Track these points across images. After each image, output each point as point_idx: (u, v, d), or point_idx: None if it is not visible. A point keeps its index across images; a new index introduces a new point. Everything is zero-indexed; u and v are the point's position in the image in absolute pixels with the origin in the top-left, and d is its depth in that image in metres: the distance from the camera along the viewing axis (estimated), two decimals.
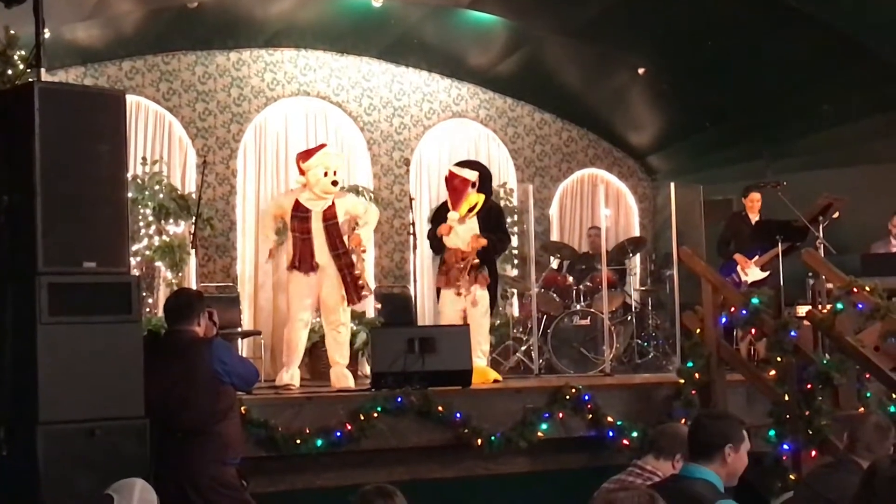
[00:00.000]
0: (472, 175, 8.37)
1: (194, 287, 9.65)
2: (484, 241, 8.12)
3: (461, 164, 8.77)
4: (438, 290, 8.37)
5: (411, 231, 8.58)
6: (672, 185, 9.76)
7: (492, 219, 8.33)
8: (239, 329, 9.78)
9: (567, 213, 12.19)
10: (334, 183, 7.89)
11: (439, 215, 8.41)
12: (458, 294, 8.13)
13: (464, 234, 8.20)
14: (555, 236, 11.94)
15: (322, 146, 8.20)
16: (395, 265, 11.16)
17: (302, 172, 7.90)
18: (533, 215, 9.76)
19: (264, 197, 10.53)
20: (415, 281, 9.05)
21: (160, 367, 4.87)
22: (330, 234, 7.78)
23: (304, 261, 7.74)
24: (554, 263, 10.85)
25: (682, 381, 7.37)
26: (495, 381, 8.00)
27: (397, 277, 11.12)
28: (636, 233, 12.14)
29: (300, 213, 7.79)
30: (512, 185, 11.62)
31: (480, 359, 8.19)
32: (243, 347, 10.16)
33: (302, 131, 10.82)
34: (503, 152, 11.85)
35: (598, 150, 12.32)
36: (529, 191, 9.76)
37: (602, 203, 10.25)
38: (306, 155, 7.96)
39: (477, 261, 8.13)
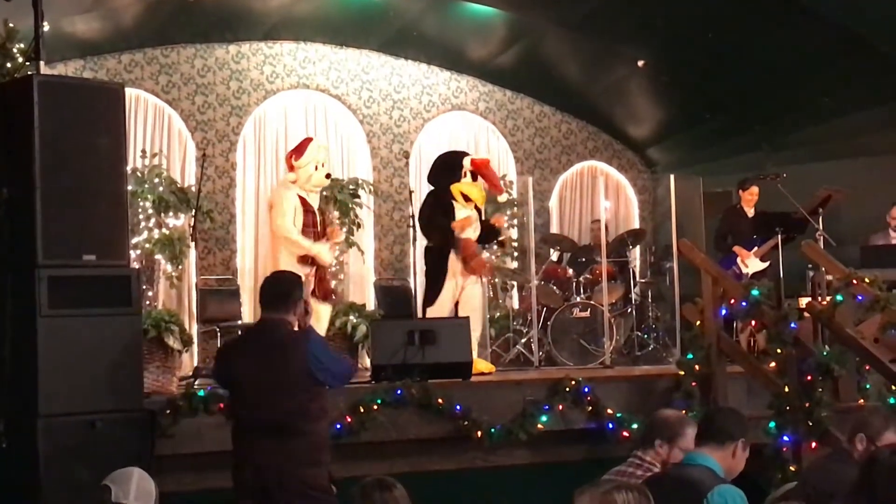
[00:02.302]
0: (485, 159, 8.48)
1: (194, 279, 9.67)
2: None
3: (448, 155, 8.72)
4: (435, 282, 8.26)
5: (411, 224, 8.56)
6: (672, 177, 9.75)
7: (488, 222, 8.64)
8: (239, 322, 9.78)
9: (567, 206, 12.17)
10: (328, 176, 7.91)
11: (444, 203, 8.30)
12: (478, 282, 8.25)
13: (474, 230, 8.31)
14: (554, 229, 11.93)
15: (309, 140, 8.17)
16: (395, 258, 11.16)
17: (292, 169, 7.87)
18: (533, 208, 9.76)
19: (264, 190, 10.51)
20: (415, 274, 9.03)
21: (250, 358, 4.60)
22: (323, 222, 7.91)
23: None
24: (554, 256, 10.84)
25: (682, 372, 7.36)
26: (483, 371, 7.97)
27: (397, 270, 11.11)
28: (636, 225, 12.12)
29: (307, 208, 7.80)
30: (511, 178, 11.60)
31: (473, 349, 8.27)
32: None
33: (301, 124, 10.80)
34: (503, 145, 11.84)
35: (598, 143, 12.31)
36: (529, 183, 9.76)
37: (602, 195, 10.25)
38: (299, 152, 7.93)
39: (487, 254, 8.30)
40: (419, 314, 8.35)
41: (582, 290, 10.01)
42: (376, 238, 11.04)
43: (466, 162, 8.33)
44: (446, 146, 11.50)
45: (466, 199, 8.25)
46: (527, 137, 11.96)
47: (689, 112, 11.30)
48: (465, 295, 8.28)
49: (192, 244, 8.65)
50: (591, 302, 9.83)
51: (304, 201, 7.79)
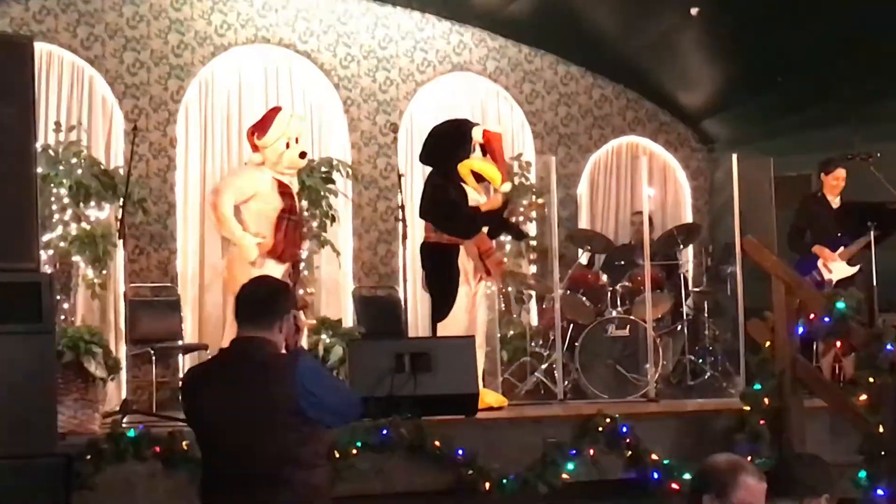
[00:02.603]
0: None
1: (122, 288, 9.67)
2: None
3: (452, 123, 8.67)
4: (447, 288, 8.27)
5: (400, 216, 8.55)
6: (734, 157, 9.74)
7: None
8: (180, 342, 9.80)
9: (600, 194, 12.18)
10: (303, 155, 7.91)
11: (457, 186, 8.24)
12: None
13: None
14: (584, 223, 11.93)
15: (276, 110, 8.18)
16: (380, 260, 11.17)
17: (256, 149, 7.87)
18: (556, 196, 9.75)
19: (211, 173, 10.52)
20: (404, 280, 9.04)
21: (222, 389, 4.51)
22: (299, 217, 7.98)
23: (288, 248, 7.75)
24: (583, 258, 10.84)
25: (748, 407, 7.35)
26: (492, 406, 8.00)
27: (382, 276, 11.12)
28: (688, 219, 12.12)
29: (286, 191, 7.81)
30: (529, 158, 11.62)
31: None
32: (185, 365, 10.16)
33: (260, 89, 10.81)
34: (517, 116, 11.84)
35: (640, 113, 12.31)
36: (552, 165, 9.75)
37: (644, 181, 10.22)
38: (262, 126, 7.92)
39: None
40: (418, 331, 8.35)
41: (619, 302, 10.02)
42: (356, 235, 11.05)
43: (477, 133, 8.29)
44: (445, 116, 11.44)
45: (479, 178, 8.25)
46: (548, 106, 11.97)
47: (757, 74, 11.28)
48: (476, 308, 8.27)
49: (120, 242, 8.64)
50: (631, 317, 9.82)
51: (281, 183, 7.80)
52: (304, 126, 8.23)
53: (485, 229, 8.25)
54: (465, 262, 8.17)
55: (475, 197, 8.21)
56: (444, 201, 8.14)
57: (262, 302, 4.60)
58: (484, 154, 8.28)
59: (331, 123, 11.12)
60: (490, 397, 8.15)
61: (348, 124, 11.17)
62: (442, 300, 8.24)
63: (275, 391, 4.42)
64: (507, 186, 8.36)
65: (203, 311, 10.44)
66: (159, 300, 10.00)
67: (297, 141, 7.87)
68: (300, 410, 4.42)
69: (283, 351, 4.60)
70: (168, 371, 10.08)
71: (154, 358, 9.37)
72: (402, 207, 8.56)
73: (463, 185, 8.17)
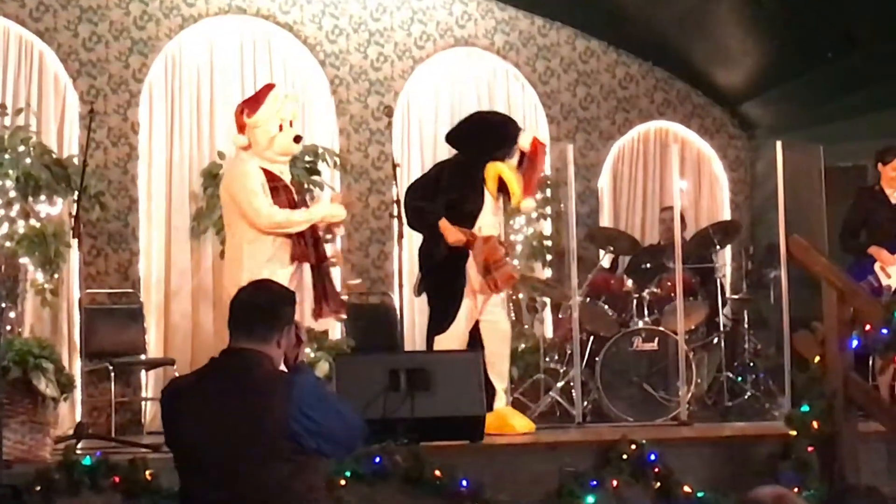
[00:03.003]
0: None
1: (77, 294, 9.68)
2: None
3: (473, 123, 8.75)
4: (447, 298, 8.32)
5: (396, 212, 8.55)
6: (778, 145, 9.73)
7: None
8: (142, 357, 9.79)
9: (624, 187, 12.17)
10: (297, 139, 7.92)
11: (474, 178, 8.32)
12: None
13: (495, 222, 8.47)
14: (606, 221, 11.93)
15: (269, 87, 8.18)
16: (372, 262, 11.17)
17: (242, 129, 7.87)
18: (574, 189, 9.74)
19: (179, 162, 10.52)
20: (400, 285, 9.04)
21: (208, 410, 4.46)
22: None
23: (295, 248, 7.75)
24: (605, 260, 10.82)
25: (794, 432, 7.35)
26: (518, 431, 8.02)
27: (375, 280, 11.12)
28: (726, 216, 12.10)
29: (277, 183, 7.78)
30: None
31: (503, 396, 8.29)
32: (148, 383, 10.16)
33: (235, 66, 10.81)
34: (530, 97, 11.84)
35: (670, 95, 12.30)
36: (569, 153, 9.74)
37: (675, 172, 10.22)
38: (254, 104, 7.93)
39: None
40: (416, 344, 8.35)
41: (646, 311, 10.02)
42: (344, 234, 11.03)
43: (525, 140, 8.38)
44: (447, 99, 11.54)
45: (501, 188, 8.33)
46: (565, 86, 11.96)
47: (805, 50, 11.27)
48: (488, 319, 8.32)
49: (75, 242, 8.64)
50: (660, 328, 9.82)
51: (269, 174, 7.79)
52: (297, 108, 8.23)
53: (494, 231, 8.28)
54: (475, 272, 8.19)
55: (489, 206, 8.28)
56: (425, 180, 8.28)
57: (261, 310, 4.59)
58: (520, 164, 8.38)
59: (316, 106, 11.11)
60: (517, 421, 8.15)
61: (336, 107, 11.15)
62: (442, 310, 8.25)
63: (267, 413, 4.40)
64: (528, 203, 8.41)
65: (169, 320, 10.42)
66: (119, 308, 10.00)
67: (290, 124, 7.88)
68: (295, 437, 4.40)
69: (282, 367, 4.59)
70: (129, 390, 10.08)
71: (113, 374, 9.37)
72: (398, 202, 8.55)
73: (483, 185, 8.24)
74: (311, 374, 4.71)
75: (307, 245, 7.80)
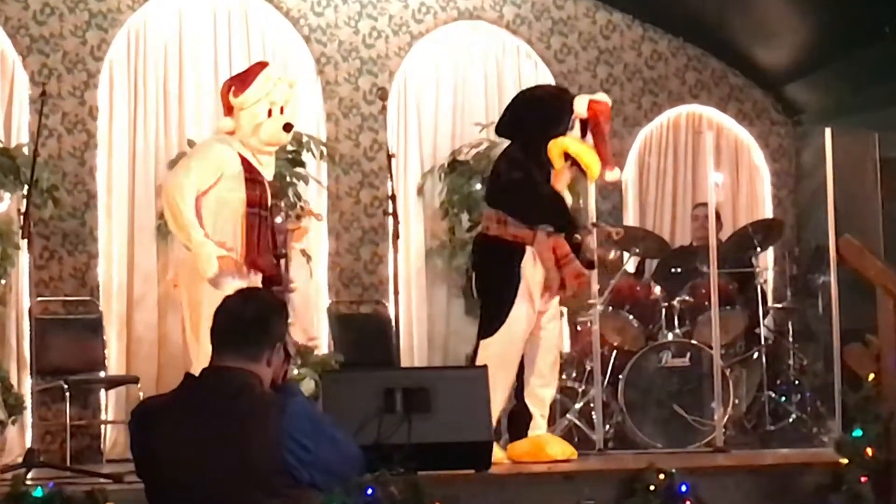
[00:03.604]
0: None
1: (27, 303, 9.66)
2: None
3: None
4: (500, 297, 8.28)
5: (391, 209, 8.55)
6: (827, 132, 9.73)
7: None
8: (102, 374, 9.78)
9: (651, 181, 12.17)
10: (288, 127, 7.93)
11: (540, 163, 8.29)
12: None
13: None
14: (630, 219, 11.93)
15: (262, 66, 8.20)
16: (364, 267, 11.15)
17: (229, 111, 7.89)
18: (595, 183, 9.73)
19: (144, 152, 10.51)
20: (396, 293, 9.03)
21: (186, 435, 4.45)
22: (272, 219, 7.96)
23: (250, 254, 7.74)
24: (630, 264, 10.82)
25: (845, 460, 7.34)
26: (557, 459, 8.05)
27: (367, 288, 11.11)
28: (767, 213, 12.08)
29: (254, 176, 7.79)
30: None
31: (544, 419, 8.32)
32: (109, 404, 10.15)
33: (208, 42, 10.81)
34: (544, 78, 11.81)
35: (704, 75, 12.29)
36: (589, 142, 9.73)
37: (710, 163, 10.21)
38: (243, 82, 7.94)
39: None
40: (414, 359, 8.34)
41: (677, 322, 10.02)
42: (332, 234, 11.04)
43: (580, 105, 8.35)
44: (449, 79, 11.52)
45: (573, 163, 8.32)
46: (584, 65, 11.95)
47: (858, 24, 11.27)
48: (547, 327, 8.31)
49: (25, 243, 8.63)
50: (693, 342, 9.81)
51: (247, 164, 7.79)
52: (292, 95, 8.24)
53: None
54: (532, 271, 8.16)
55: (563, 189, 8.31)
56: (523, 180, 8.19)
57: (249, 324, 4.59)
58: (584, 134, 8.37)
59: (300, 88, 11.07)
60: (555, 448, 8.18)
61: (323, 89, 11.15)
62: (493, 312, 8.25)
63: (254, 441, 4.40)
64: (614, 174, 8.41)
65: (132, 333, 10.42)
66: (75, 319, 9.99)
67: (281, 111, 7.89)
68: (287, 468, 4.41)
69: (269, 387, 4.57)
70: (87, 412, 10.07)
71: (68, 394, 9.36)
72: (393, 197, 8.54)
73: (550, 167, 8.24)
74: (302, 396, 4.69)
75: (261, 253, 7.81)
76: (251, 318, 4.58)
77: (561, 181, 8.28)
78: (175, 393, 4.61)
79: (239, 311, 4.63)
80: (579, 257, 8.26)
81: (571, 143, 8.27)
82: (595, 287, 9.47)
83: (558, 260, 8.16)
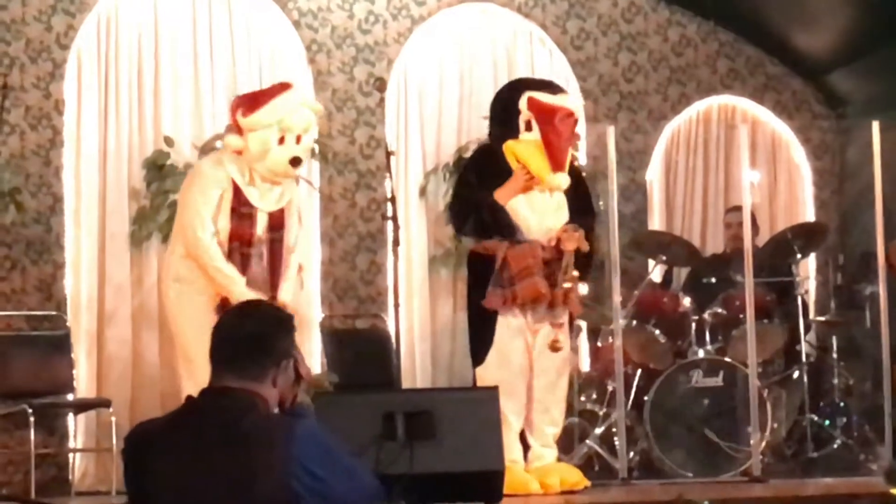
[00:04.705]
0: (577, 106, 8.79)
1: None
2: (584, 243, 8.55)
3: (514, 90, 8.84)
4: (483, 318, 8.45)
5: (390, 213, 8.57)
6: (875, 126, 9.74)
7: (578, 188, 8.77)
8: (70, 397, 9.78)
9: (679, 181, 12.18)
10: (295, 161, 8.00)
11: (487, 169, 8.49)
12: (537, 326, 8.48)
13: (554, 217, 8.54)
14: (656, 223, 11.94)
15: (283, 87, 8.27)
16: (360, 277, 11.16)
17: (239, 131, 7.94)
18: (616, 183, 9.74)
19: (115, 150, 10.51)
20: (396, 306, 9.05)
21: (185, 462, 4.48)
22: (274, 258, 8.15)
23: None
24: (656, 273, 10.82)
25: None
26: (570, 489, 8.15)
27: (363, 301, 11.12)
28: (809, 216, 12.09)
29: (242, 207, 7.86)
30: (577, 128, 11.59)
31: (549, 448, 8.46)
32: (78, 430, 10.16)
33: (186, 29, 10.79)
34: (560, 66, 11.83)
35: (738, 63, 12.30)
36: (610, 138, 9.75)
37: (745, 161, 10.23)
38: (253, 103, 7.99)
39: (577, 273, 8.49)
40: (416, 380, 8.35)
41: (709, 338, 10.01)
42: (325, 240, 11.05)
43: (521, 103, 8.46)
44: (454, 69, 11.52)
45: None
46: (604, 52, 11.96)
47: None
48: (541, 348, 8.48)
49: None
50: (727, 359, 9.81)
51: (239, 193, 7.85)
52: (313, 118, 8.31)
53: (543, 239, 8.37)
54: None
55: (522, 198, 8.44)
56: (458, 187, 8.34)
57: (248, 341, 4.59)
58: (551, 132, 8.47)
59: (289, 78, 11.08)
60: (564, 473, 8.38)
61: (314, 79, 11.15)
62: (477, 336, 8.33)
63: (259, 468, 4.41)
64: (557, 180, 8.45)
65: (103, 351, 10.41)
66: (40, 335, 9.98)
67: (298, 140, 7.94)
68: (294, 498, 4.40)
69: (276, 410, 4.58)
70: (53, 439, 10.07)
71: (32, 420, 9.36)
72: (393, 199, 8.57)
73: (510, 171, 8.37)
74: (314, 420, 4.66)
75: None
76: (251, 334, 4.59)
77: (514, 185, 8.36)
78: (172, 416, 4.62)
79: (237, 326, 4.65)
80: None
81: (519, 145, 8.46)
82: (616, 298, 9.49)
83: (516, 274, 8.26)
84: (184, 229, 8.07)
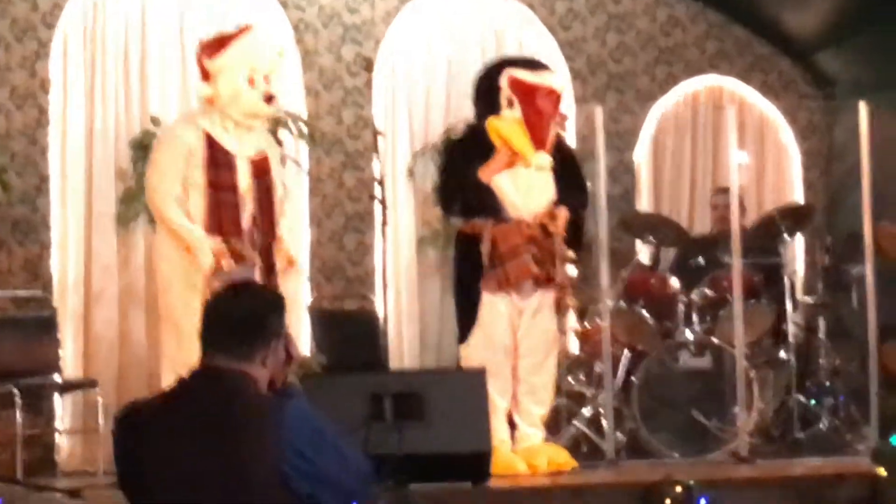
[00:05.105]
0: (560, 84, 8.74)
1: None
2: (565, 215, 8.50)
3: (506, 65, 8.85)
4: (468, 297, 8.47)
5: (379, 194, 8.57)
6: (863, 106, 9.74)
7: (568, 166, 8.72)
8: (57, 377, 9.78)
9: (667, 162, 12.19)
10: (269, 98, 7.95)
11: (473, 148, 8.52)
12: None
13: (538, 193, 8.52)
14: (644, 204, 11.96)
15: (246, 29, 8.26)
16: (348, 258, 11.16)
17: (206, 77, 7.92)
18: (604, 164, 9.74)
19: (101, 130, 10.50)
20: (385, 287, 9.05)
21: (175, 443, 4.47)
22: (262, 200, 8.07)
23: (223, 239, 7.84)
24: (644, 254, 10.82)
25: (883, 471, 7.37)
26: (558, 470, 8.15)
27: (351, 281, 11.12)
28: (797, 197, 12.09)
29: (218, 156, 7.83)
30: (566, 109, 11.58)
31: (535, 429, 8.45)
32: (65, 411, 10.15)
33: (173, 9, 10.79)
34: (548, 47, 11.83)
35: (726, 43, 12.30)
36: (598, 118, 9.73)
37: (732, 142, 10.23)
38: (217, 46, 7.97)
39: (571, 253, 8.51)
40: (404, 361, 8.34)
41: (696, 319, 10.03)
42: (313, 221, 11.05)
43: (504, 79, 8.47)
44: (442, 49, 11.52)
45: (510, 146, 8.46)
46: (592, 33, 11.96)
47: None
48: (526, 326, 8.46)
49: None
50: (714, 340, 9.83)
51: (211, 142, 7.82)
52: (276, 57, 8.27)
53: (527, 216, 8.39)
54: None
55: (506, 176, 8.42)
56: (443, 166, 8.38)
57: (240, 321, 4.59)
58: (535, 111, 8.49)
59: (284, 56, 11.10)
60: (559, 456, 8.37)
61: (301, 59, 11.14)
62: (462, 314, 8.34)
63: (248, 449, 4.41)
64: (539, 159, 8.45)
65: (90, 332, 10.42)
66: (27, 317, 9.98)
67: (266, 80, 7.91)
68: (284, 479, 4.41)
69: (267, 391, 4.57)
70: (40, 419, 10.06)
71: (19, 400, 9.35)
72: (381, 180, 8.58)
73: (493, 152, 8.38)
74: (304, 400, 4.64)
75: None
76: (243, 314, 4.59)
77: (497, 164, 8.37)
78: (164, 398, 4.62)
79: (230, 306, 4.65)
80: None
81: (502, 123, 8.47)
82: (604, 279, 9.49)
83: (505, 253, 8.27)
84: (146, 191, 8.14)
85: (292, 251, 8.48)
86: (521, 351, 8.44)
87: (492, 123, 8.46)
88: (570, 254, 8.49)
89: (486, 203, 8.43)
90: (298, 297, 10.83)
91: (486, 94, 8.58)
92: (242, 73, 7.87)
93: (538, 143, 8.50)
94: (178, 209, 7.86)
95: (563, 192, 8.60)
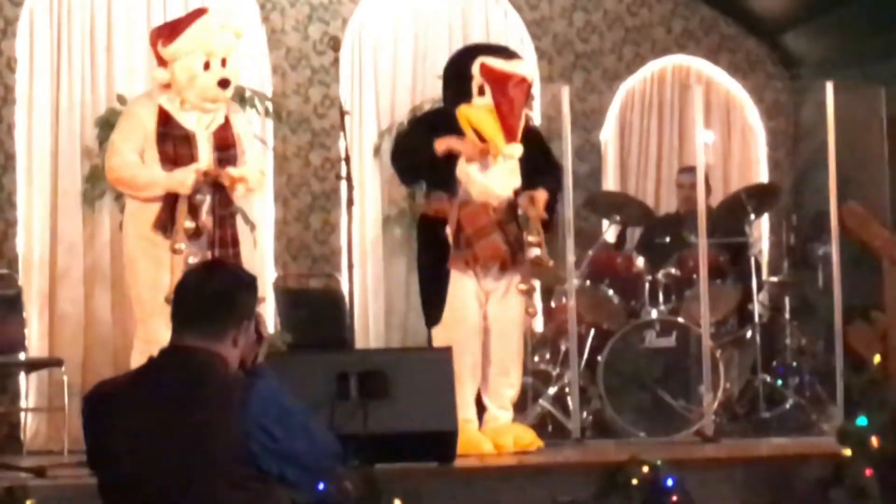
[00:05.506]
0: (531, 73, 8.74)
1: None
2: (545, 197, 8.49)
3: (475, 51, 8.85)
4: (435, 279, 8.47)
5: (344, 173, 8.57)
6: (829, 86, 9.76)
7: (536, 149, 8.67)
8: (22, 356, 9.76)
9: (633, 141, 12.18)
10: (224, 83, 7.94)
11: (439, 125, 8.52)
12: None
13: (502, 178, 8.48)
14: (610, 183, 11.96)
15: (199, 13, 8.21)
16: (314, 236, 11.15)
17: (162, 63, 7.90)
18: (570, 144, 9.74)
19: (67, 108, 10.47)
20: (350, 265, 9.05)
21: (142, 421, 4.47)
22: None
23: (163, 212, 7.81)
24: (610, 234, 10.84)
25: (848, 450, 7.38)
26: (524, 449, 8.16)
27: (317, 260, 11.11)
28: (762, 177, 12.11)
29: (173, 131, 7.82)
30: (532, 89, 11.59)
31: (504, 411, 8.46)
32: (30, 390, 10.13)
33: None
34: (515, 26, 11.82)
35: (692, 23, 12.30)
36: (564, 98, 9.74)
37: (698, 121, 10.25)
38: (171, 32, 7.95)
39: (533, 238, 8.49)
40: (370, 340, 8.35)
41: (662, 298, 10.06)
42: (279, 200, 11.03)
43: (476, 66, 8.48)
44: (409, 28, 11.50)
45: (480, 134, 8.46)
46: (559, 12, 11.94)
47: None
48: (495, 310, 8.46)
49: None
50: (679, 319, 9.86)
51: (164, 118, 7.82)
52: (232, 38, 8.24)
53: (494, 194, 8.39)
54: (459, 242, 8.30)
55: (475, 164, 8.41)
56: (402, 138, 8.41)
57: (211, 300, 4.60)
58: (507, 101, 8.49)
59: (244, 38, 11.03)
60: (518, 433, 8.36)
61: (268, 38, 11.11)
62: (430, 297, 8.35)
63: (216, 427, 4.42)
64: (510, 150, 8.44)
65: (55, 310, 10.40)
66: None
67: (223, 64, 7.89)
68: (251, 457, 4.43)
69: (237, 370, 4.59)
70: (5, 398, 10.06)
71: None
72: (348, 159, 8.57)
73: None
74: (274, 380, 4.67)
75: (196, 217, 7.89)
76: (215, 293, 4.59)
77: (465, 151, 8.36)
78: (133, 375, 4.62)
79: (201, 284, 4.66)
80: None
81: (473, 111, 8.46)
82: (570, 259, 9.50)
83: (474, 234, 8.28)
84: (106, 171, 8.14)
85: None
86: (494, 333, 8.44)
87: (462, 111, 8.44)
88: (533, 238, 8.47)
89: (444, 175, 8.40)
90: (264, 275, 10.84)
91: (457, 80, 8.57)
92: (198, 57, 7.84)
93: (508, 131, 8.48)
94: (139, 165, 7.85)
95: (538, 175, 8.59)
